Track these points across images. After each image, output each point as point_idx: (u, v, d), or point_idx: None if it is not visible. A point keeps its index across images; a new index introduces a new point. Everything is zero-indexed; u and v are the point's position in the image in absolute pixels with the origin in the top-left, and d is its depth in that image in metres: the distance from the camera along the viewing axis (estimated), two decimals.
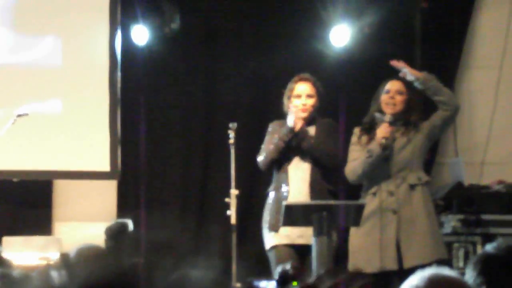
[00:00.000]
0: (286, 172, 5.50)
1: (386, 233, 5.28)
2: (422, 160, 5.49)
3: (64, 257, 3.22)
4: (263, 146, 5.65)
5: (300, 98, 5.54)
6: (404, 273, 5.04)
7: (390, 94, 5.41)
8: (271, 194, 5.57)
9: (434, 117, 5.44)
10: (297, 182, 5.48)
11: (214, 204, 6.70)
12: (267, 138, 5.66)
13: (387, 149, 5.30)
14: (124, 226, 4.17)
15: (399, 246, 5.27)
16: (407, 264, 5.21)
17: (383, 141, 5.28)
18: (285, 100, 5.61)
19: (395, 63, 5.41)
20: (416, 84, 5.38)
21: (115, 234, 4.07)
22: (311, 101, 5.54)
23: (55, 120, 6.77)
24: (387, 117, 5.32)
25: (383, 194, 5.33)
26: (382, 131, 5.31)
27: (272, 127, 5.67)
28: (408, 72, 5.40)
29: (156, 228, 6.38)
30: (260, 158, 5.60)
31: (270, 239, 5.49)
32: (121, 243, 3.97)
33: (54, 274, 1.63)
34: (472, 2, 7.35)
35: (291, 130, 5.43)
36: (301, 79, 5.59)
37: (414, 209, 5.30)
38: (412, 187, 5.33)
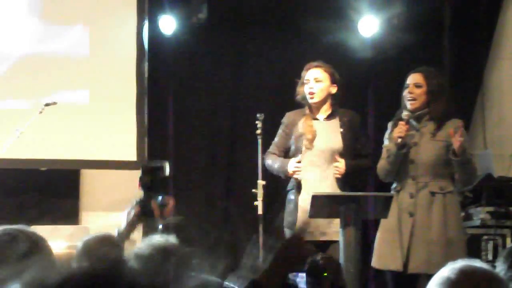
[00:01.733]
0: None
1: (401, 234, 5.21)
2: (448, 168, 5.27)
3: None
4: (273, 142, 5.64)
5: (309, 83, 5.52)
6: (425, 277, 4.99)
7: (409, 88, 5.30)
8: (289, 193, 5.55)
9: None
10: (315, 182, 5.45)
11: (241, 195, 6.68)
12: (279, 132, 5.64)
13: (403, 148, 5.20)
14: (162, 167, 4.20)
15: (409, 250, 5.18)
16: (410, 269, 5.14)
17: (399, 140, 5.19)
18: (298, 88, 5.59)
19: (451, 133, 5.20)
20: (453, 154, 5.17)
21: (151, 170, 4.08)
22: (319, 85, 5.49)
23: (83, 109, 6.78)
24: (405, 115, 5.23)
25: (404, 194, 5.26)
26: (398, 129, 5.20)
27: (286, 120, 5.62)
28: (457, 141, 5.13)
29: (182, 217, 6.38)
30: (267, 162, 5.61)
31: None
32: (156, 181, 3.99)
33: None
34: None
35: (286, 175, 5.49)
36: (311, 66, 5.57)
37: (432, 217, 5.18)
38: (432, 194, 5.22)
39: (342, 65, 5.66)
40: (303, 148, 5.47)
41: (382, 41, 7.04)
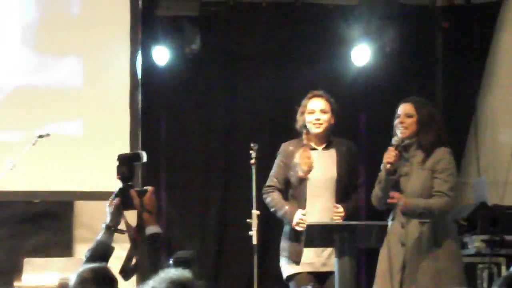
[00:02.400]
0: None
1: (393, 264, 5.19)
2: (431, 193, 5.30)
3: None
4: (271, 174, 5.56)
5: (313, 114, 5.48)
6: None
7: (400, 118, 5.30)
8: (287, 224, 5.51)
9: (433, 183, 5.20)
10: (313, 212, 5.43)
11: (235, 225, 6.66)
12: (277, 163, 5.57)
13: (392, 174, 5.19)
14: (138, 154, 4.17)
15: (402, 280, 5.15)
16: None
17: (388, 165, 5.18)
18: (298, 117, 5.55)
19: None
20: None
21: (128, 159, 4.06)
22: (325, 117, 5.48)
23: (76, 141, 6.77)
24: (395, 140, 5.22)
25: (397, 224, 5.24)
26: (387, 155, 5.19)
27: (283, 151, 5.56)
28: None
29: (177, 248, 6.36)
30: (267, 200, 5.54)
31: (291, 268, 5.43)
32: (133, 170, 3.97)
33: None
34: (493, 20, 7.31)
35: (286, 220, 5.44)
36: (315, 96, 5.53)
37: (422, 246, 5.16)
38: (421, 223, 5.20)
39: (334, 93, 5.66)
40: (307, 179, 5.43)
41: (374, 70, 7.07)
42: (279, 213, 5.46)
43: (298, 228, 5.34)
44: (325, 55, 7.04)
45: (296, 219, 5.36)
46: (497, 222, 6.33)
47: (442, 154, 5.23)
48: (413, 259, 5.14)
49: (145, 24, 6.94)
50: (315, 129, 5.46)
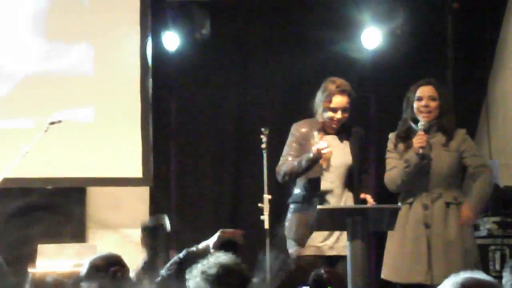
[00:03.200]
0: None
1: (418, 246, 5.21)
2: (459, 178, 5.36)
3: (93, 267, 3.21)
4: (284, 154, 5.53)
5: (336, 112, 5.40)
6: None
7: (424, 101, 5.28)
8: (295, 206, 5.52)
9: (469, 162, 5.31)
10: (332, 198, 5.43)
11: (247, 209, 6.68)
12: (290, 143, 5.53)
13: (424, 158, 5.21)
14: (162, 225, 4.18)
15: (430, 261, 5.18)
16: (435, 280, 5.13)
17: (420, 150, 5.19)
18: (318, 105, 5.48)
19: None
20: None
21: (152, 229, 4.07)
22: (345, 114, 5.44)
23: (88, 127, 6.80)
24: (422, 125, 5.23)
25: (418, 206, 5.25)
26: (418, 139, 5.20)
27: (297, 132, 5.52)
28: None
29: (189, 233, 6.38)
30: (284, 170, 5.46)
31: (298, 250, 5.45)
32: (158, 238, 3.98)
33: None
34: (505, 1, 7.27)
35: (314, 158, 5.33)
36: (339, 92, 5.42)
37: (448, 227, 5.20)
38: (447, 204, 5.23)
39: (345, 77, 5.64)
40: (323, 166, 5.42)
41: (385, 53, 7.05)
42: (303, 162, 5.35)
43: (324, 152, 5.27)
44: (336, 38, 7.02)
45: (314, 147, 5.28)
46: (509, 204, 6.33)
47: (463, 135, 5.34)
48: (440, 240, 5.17)
49: (155, 9, 6.94)
50: (334, 125, 5.44)
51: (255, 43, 7.20)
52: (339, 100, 5.41)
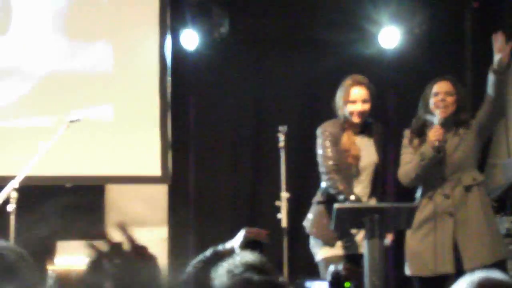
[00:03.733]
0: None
1: (442, 236, 5.22)
2: (475, 160, 5.39)
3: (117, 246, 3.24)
4: (326, 156, 5.40)
5: (355, 103, 5.43)
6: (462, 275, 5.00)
7: (440, 96, 5.30)
8: (323, 205, 5.49)
9: (480, 115, 5.32)
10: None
11: (264, 208, 6.70)
12: (324, 146, 5.43)
13: (440, 151, 5.22)
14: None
15: (457, 248, 5.20)
16: (467, 265, 5.13)
17: (436, 143, 5.20)
18: (339, 104, 5.49)
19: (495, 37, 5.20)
20: (496, 66, 5.17)
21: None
22: (366, 106, 5.45)
23: (107, 125, 6.83)
24: (438, 119, 5.24)
25: (438, 197, 5.27)
26: (434, 133, 5.21)
27: (329, 133, 5.45)
28: (503, 48, 5.17)
29: (206, 231, 6.41)
30: (332, 183, 5.33)
31: (323, 251, 5.43)
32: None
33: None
34: None
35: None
36: (357, 83, 5.46)
37: (470, 210, 5.23)
38: (467, 188, 5.25)
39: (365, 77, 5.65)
40: (353, 167, 5.42)
41: (403, 53, 7.04)
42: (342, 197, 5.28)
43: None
44: (354, 37, 7.02)
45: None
46: None
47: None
48: (465, 225, 5.19)
49: (174, 8, 6.97)
50: (356, 119, 5.43)
51: (273, 42, 7.21)
52: (357, 92, 5.43)
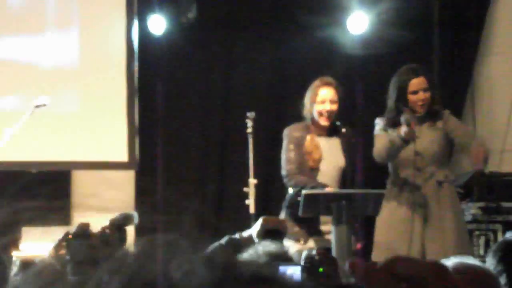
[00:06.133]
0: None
1: (413, 226, 5.24)
2: (448, 156, 5.45)
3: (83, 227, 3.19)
4: (286, 159, 5.45)
5: (324, 103, 5.44)
6: None
7: (420, 95, 5.34)
8: (291, 210, 5.41)
9: (455, 133, 5.36)
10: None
11: (232, 194, 6.68)
12: (286, 149, 5.46)
13: (408, 142, 5.22)
14: (129, 217, 4.14)
15: (424, 240, 5.22)
16: (428, 258, 5.16)
17: (405, 134, 5.19)
18: (307, 104, 5.49)
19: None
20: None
21: (119, 225, 4.05)
22: (334, 107, 5.44)
23: (73, 110, 6.78)
24: (405, 118, 5.22)
25: (410, 188, 5.29)
26: (407, 133, 5.20)
27: (293, 136, 5.47)
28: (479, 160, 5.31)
29: (174, 217, 6.38)
30: (291, 183, 5.41)
31: (296, 246, 5.39)
32: (124, 235, 3.95)
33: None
34: None
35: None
36: (325, 84, 5.47)
37: (441, 206, 5.26)
38: (439, 183, 5.28)
39: (331, 62, 5.65)
40: (314, 170, 5.40)
41: (371, 38, 7.05)
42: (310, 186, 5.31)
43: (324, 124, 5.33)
44: (322, 22, 7.01)
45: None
46: (493, 189, 6.37)
47: (448, 115, 5.44)
48: (435, 218, 5.22)
49: None
50: (324, 122, 5.43)
51: (241, 26, 7.19)
52: (325, 92, 5.44)
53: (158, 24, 6.92)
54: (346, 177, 5.51)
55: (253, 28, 7.18)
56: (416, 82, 5.35)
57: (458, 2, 7.30)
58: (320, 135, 5.47)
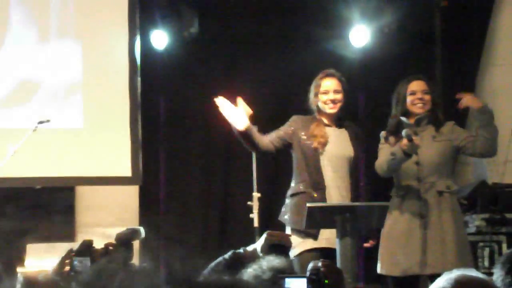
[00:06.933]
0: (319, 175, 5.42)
1: (413, 237, 5.23)
2: (451, 167, 5.40)
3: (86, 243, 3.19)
4: (277, 131, 5.49)
5: (327, 94, 5.47)
6: (427, 278, 5.01)
7: (418, 95, 5.35)
8: (297, 198, 5.48)
9: (465, 143, 5.33)
10: (331, 186, 5.41)
11: (236, 207, 6.68)
12: (281, 128, 5.51)
13: (409, 156, 5.22)
14: (135, 233, 4.14)
15: (425, 251, 5.20)
16: (428, 270, 5.15)
17: (406, 147, 5.19)
18: (311, 97, 5.53)
19: (460, 96, 5.35)
20: (473, 112, 5.34)
21: (126, 240, 4.04)
22: (339, 96, 5.48)
23: (77, 126, 6.78)
24: (407, 132, 5.23)
25: (411, 197, 5.28)
26: (406, 147, 5.19)
27: (294, 123, 5.49)
28: (470, 100, 5.33)
29: (178, 232, 6.38)
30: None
31: (305, 243, 5.37)
32: (130, 249, 3.94)
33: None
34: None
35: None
36: (327, 75, 5.51)
37: (442, 216, 5.23)
38: (440, 193, 5.26)
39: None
40: (323, 151, 5.40)
41: (373, 51, 7.06)
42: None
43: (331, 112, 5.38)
44: (324, 36, 7.03)
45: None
46: (497, 200, 6.36)
47: (452, 126, 5.42)
48: (435, 229, 5.19)
49: (143, 8, 6.93)
50: (329, 110, 5.44)
51: (243, 40, 7.20)
52: (329, 83, 5.47)
53: (160, 39, 6.95)
54: (355, 168, 5.49)
55: (255, 41, 7.19)
56: (415, 84, 5.38)
57: (460, 13, 7.31)
58: (327, 125, 5.48)
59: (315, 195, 5.33)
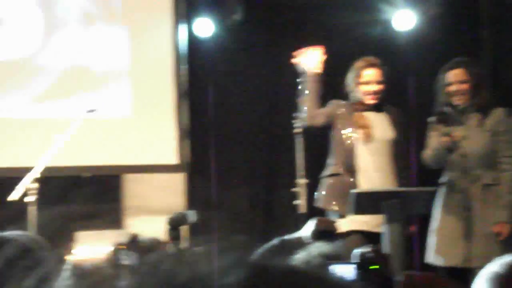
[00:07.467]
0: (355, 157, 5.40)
1: (457, 229, 5.15)
2: (497, 158, 5.30)
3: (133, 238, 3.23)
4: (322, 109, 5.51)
5: (369, 84, 5.43)
6: (469, 271, 4.93)
7: (454, 86, 5.24)
8: (333, 179, 5.44)
9: (499, 146, 5.23)
10: (368, 170, 5.39)
11: (283, 194, 6.68)
12: (328, 107, 5.54)
13: (452, 151, 5.15)
14: (185, 216, 4.18)
15: (470, 244, 5.12)
16: (473, 263, 5.07)
17: (447, 142, 5.13)
18: (351, 83, 5.49)
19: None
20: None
21: (176, 224, 4.09)
22: (380, 87, 5.43)
23: (124, 114, 6.83)
24: (455, 107, 5.15)
25: (457, 189, 5.20)
26: (444, 142, 5.14)
27: (336, 105, 5.50)
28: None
29: (225, 218, 6.40)
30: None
31: (345, 224, 5.33)
32: (178, 233, 4.00)
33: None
34: None
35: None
36: (369, 65, 5.46)
37: (487, 209, 5.14)
38: (485, 186, 5.16)
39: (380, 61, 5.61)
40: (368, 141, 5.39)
41: (419, 35, 6.99)
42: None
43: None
44: (368, 21, 6.97)
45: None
46: None
47: (500, 115, 5.24)
48: (480, 222, 5.11)
49: None
50: (369, 100, 5.41)
51: (287, 28, 7.18)
52: (370, 73, 5.41)
53: (206, 26, 6.96)
54: (397, 151, 5.45)
55: (298, 28, 7.16)
56: (452, 74, 5.25)
57: None
58: (366, 110, 5.44)
59: (351, 179, 5.31)
